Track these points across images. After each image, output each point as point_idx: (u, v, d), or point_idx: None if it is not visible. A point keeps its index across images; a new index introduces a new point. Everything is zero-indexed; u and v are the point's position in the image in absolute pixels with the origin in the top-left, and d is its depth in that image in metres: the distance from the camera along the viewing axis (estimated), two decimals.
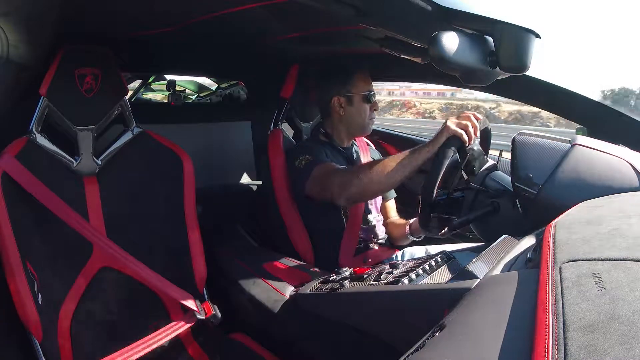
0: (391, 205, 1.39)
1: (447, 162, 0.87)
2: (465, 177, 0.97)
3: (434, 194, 0.88)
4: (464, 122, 0.90)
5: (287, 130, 1.35)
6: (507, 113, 15.03)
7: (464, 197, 0.96)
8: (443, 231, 0.94)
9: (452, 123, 0.91)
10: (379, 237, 1.28)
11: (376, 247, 1.27)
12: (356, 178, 0.98)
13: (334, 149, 1.24)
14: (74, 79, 0.92)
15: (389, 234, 1.31)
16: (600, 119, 1.04)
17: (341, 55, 1.36)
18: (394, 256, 1.24)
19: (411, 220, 1.23)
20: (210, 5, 0.85)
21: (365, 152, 1.34)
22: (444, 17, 0.59)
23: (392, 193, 1.40)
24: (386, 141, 1.58)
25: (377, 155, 1.40)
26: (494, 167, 1.01)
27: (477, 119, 0.92)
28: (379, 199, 1.33)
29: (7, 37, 0.70)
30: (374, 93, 1.23)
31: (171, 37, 1.07)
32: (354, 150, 1.29)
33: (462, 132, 0.89)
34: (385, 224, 1.33)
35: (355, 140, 1.33)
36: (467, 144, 0.90)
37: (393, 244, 1.31)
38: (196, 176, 1.07)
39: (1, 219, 0.79)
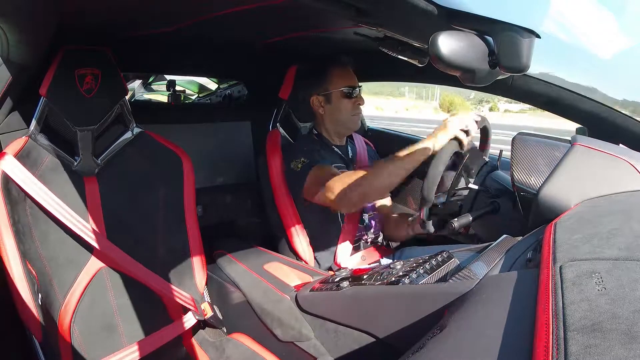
0: (386, 202, 1.39)
1: (447, 163, 0.87)
2: (465, 182, 0.96)
3: (434, 196, 0.88)
4: (464, 124, 0.87)
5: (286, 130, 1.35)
6: None
7: (463, 203, 0.96)
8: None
9: (454, 125, 0.88)
10: (376, 236, 1.28)
11: (373, 247, 1.27)
12: (355, 184, 0.96)
13: (327, 147, 1.23)
14: (73, 79, 0.92)
15: (386, 231, 1.31)
16: (600, 119, 1.04)
17: (341, 54, 1.35)
18: (393, 256, 1.24)
19: (410, 219, 1.23)
20: (210, 6, 0.84)
21: (363, 150, 1.33)
22: (444, 17, 0.59)
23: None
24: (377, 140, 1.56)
25: (374, 155, 1.39)
26: (494, 167, 1.01)
27: (477, 119, 0.90)
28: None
29: (7, 37, 0.70)
30: (356, 87, 1.19)
31: (171, 37, 1.07)
32: (349, 148, 1.29)
33: (464, 135, 0.87)
34: (382, 222, 1.33)
35: (353, 138, 1.33)
36: (465, 147, 0.88)
37: (390, 240, 1.31)
38: (196, 176, 1.07)
39: (1, 219, 0.79)
